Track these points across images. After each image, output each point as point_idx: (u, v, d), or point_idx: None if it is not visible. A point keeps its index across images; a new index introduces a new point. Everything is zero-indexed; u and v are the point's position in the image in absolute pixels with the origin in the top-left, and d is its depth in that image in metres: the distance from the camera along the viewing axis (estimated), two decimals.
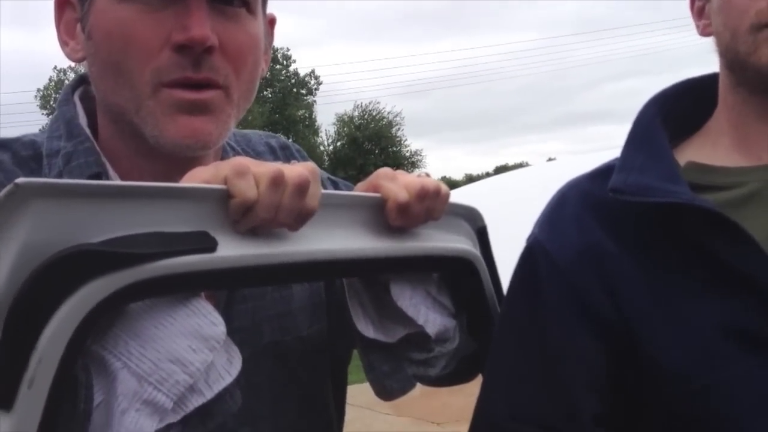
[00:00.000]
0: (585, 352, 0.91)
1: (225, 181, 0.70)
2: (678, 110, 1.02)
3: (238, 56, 0.87)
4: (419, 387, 1.03)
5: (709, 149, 0.98)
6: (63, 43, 0.91)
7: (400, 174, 0.90)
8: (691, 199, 0.88)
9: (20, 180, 0.56)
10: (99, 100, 0.91)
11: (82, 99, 0.95)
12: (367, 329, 0.94)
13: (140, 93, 0.83)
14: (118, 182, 0.65)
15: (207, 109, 0.85)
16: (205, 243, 0.67)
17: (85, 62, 0.90)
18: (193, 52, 0.82)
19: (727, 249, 0.86)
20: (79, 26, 0.89)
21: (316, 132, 44.95)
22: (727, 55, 0.95)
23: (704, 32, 1.00)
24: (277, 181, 0.70)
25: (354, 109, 45.00)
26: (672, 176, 0.91)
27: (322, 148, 44.33)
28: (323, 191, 0.77)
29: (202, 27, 0.82)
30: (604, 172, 0.99)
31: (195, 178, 0.71)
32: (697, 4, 1.01)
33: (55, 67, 42.38)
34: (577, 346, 0.92)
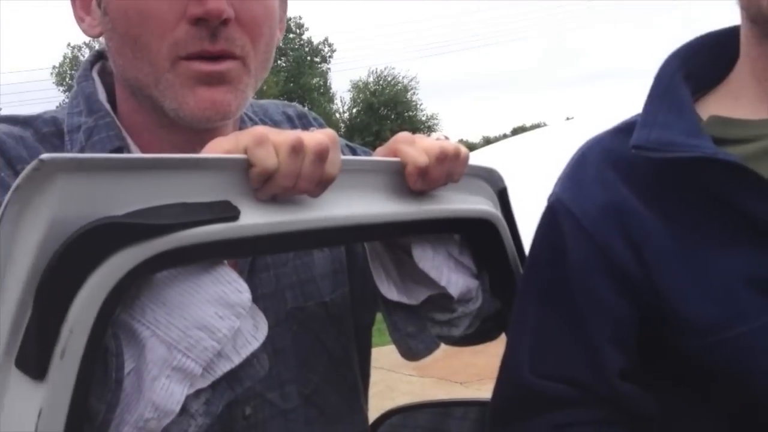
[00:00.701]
0: (610, 307, 0.92)
1: (245, 151, 0.70)
2: (699, 64, 1.00)
3: (254, 27, 0.87)
4: (442, 348, 1.04)
5: (732, 102, 0.97)
6: (79, 19, 0.91)
7: (419, 138, 0.90)
8: (715, 152, 0.87)
9: (45, 156, 0.56)
10: (117, 74, 0.91)
11: (100, 74, 0.96)
12: (390, 292, 0.95)
13: (159, 67, 0.84)
14: (141, 155, 0.65)
15: (225, 80, 0.85)
16: (227, 212, 0.68)
17: (102, 38, 0.90)
18: (210, 24, 0.82)
19: (752, 201, 0.86)
20: (94, 2, 0.89)
21: (331, 99, 44.82)
22: (750, 8, 0.92)
23: None
24: (297, 148, 0.70)
25: (368, 75, 44.84)
26: (694, 130, 0.90)
27: (337, 115, 44.21)
28: (343, 157, 0.77)
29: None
30: (625, 129, 0.98)
31: (216, 149, 0.71)
32: None
33: (69, 44, 42.44)
34: (603, 302, 0.92)
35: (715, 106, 0.98)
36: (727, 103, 0.97)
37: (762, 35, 0.93)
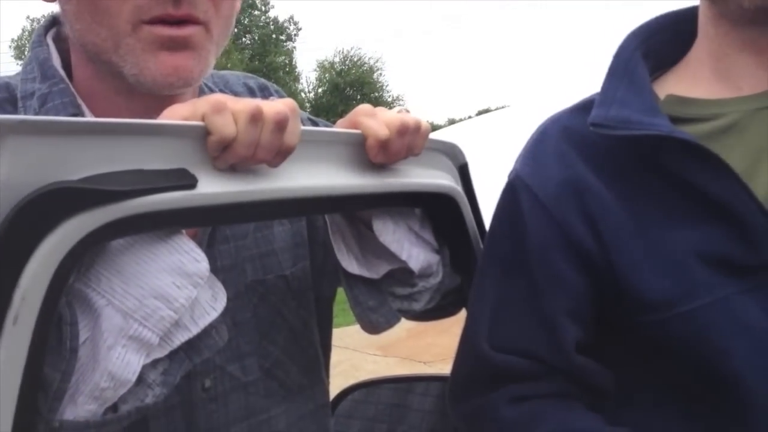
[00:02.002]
0: (567, 281, 0.94)
1: (203, 118, 0.69)
2: (658, 43, 1.01)
3: None
4: (406, 327, 1.05)
5: (689, 81, 0.98)
6: None
7: (380, 111, 0.89)
8: (671, 130, 0.88)
9: None
10: (74, 40, 0.88)
11: (55, 40, 0.94)
12: (351, 265, 0.95)
13: (119, 31, 0.81)
14: (96, 119, 0.64)
15: (188, 46, 0.83)
16: (184, 180, 0.67)
17: (56, 2, 0.88)
18: None
19: (706, 179, 0.87)
20: None
21: (296, 79, 44.48)
22: None
23: None
24: (256, 117, 0.70)
25: (335, 55, 44.63)
26: (652, 109, 0.92)
27: (303, 95, 43.92)
28: (303, 128, 0.77)
29: None
30: (584, 107, 0.99)
31: (173, 115, 0.70)
32: None
33: (28, 17, 41.50)
34: (560, 276, 0.94)
35: (673, 84, 0.99)
36: (685, 82, 0.98)
37: (720, 14, 0.94)
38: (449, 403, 1.04)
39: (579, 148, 0.96)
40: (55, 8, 0.90)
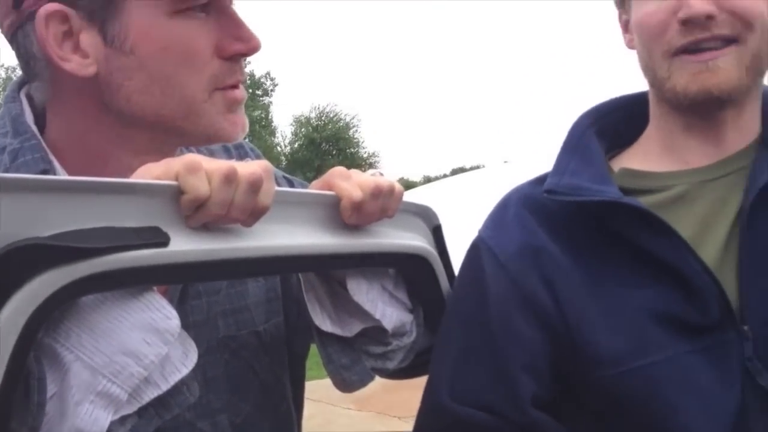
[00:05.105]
0: (525, 339, 0.97)
1: (176, 177, 0.70)
2: (613, 123, 1.09)
3: None
4: (380, 382, 1.04)
5: (642, 157, 1.05)
6: (60, 59, 0.84)
7: (355, 173, 0.91)
8: (619, 197, 0.95)
9: None
10: (120, 110, 0.87)
11: (27, 97, 0.94)
12: (324, 323, 0.95)
13: (195, 100, 0.87)
14: (70, 177, 0.65)
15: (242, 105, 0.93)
16: (157, 237, 0.67)
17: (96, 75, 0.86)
18: (241, 58, 0.90)
19: (656, 244, 0.93)
20: (90, 39, 0.84)
21: (272, 133, 44.76)
22: (647, 74, 1.01)
23: (629, 46, 1.05)
24: (230, 177, 0.70)
25: (311, 111, 44.94)
26: (602, 178, 0.99)
27: (279, 149, 44.15)
28: (278, 188, 0.78)
29: (255, 36, 0.90)
30: (543, 178, 1.06)
31: (146, 174, 0.71)
32: (624, 17, 1.06)
33: (3, 65, 41.32)
34: (518, 333, 0.98)
35: (627, 160, 1.06)
36: (638, 158, 1.06)
37: (660, 98, 1.02)
38: None
39: (538, 215, 1.02)
40: None
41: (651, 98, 1.05)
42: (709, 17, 0.92)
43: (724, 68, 0.93)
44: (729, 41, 0.93)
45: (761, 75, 0.99)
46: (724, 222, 0.95)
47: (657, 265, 0.93)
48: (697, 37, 0.93)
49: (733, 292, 0.91)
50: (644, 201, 0.96)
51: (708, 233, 0.95)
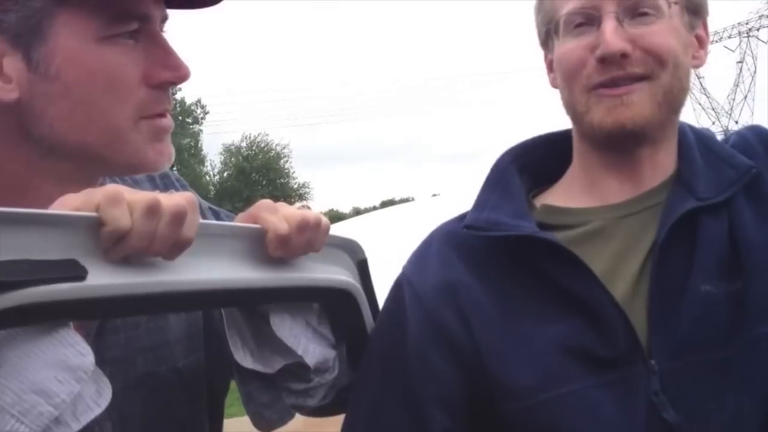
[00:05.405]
0: (440, 373, 0.99)
1: (97, 209, 0.68)
2: (538, 161, 1.13)
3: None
4: (303, 419, 1.03)
5: (564, 193, 1.09)
6: None
7: (281, 206, 0.91)
8: (535, 232, 0.99)
9: None
10: (41, 137, 0.85)
11: None
12: (245, 359, 0.93)
13: (118, 127, 0.86)
14: None
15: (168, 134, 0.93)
16: (73, 271, 0.65)
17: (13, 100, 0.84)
18: (170, 87, 0.90)
19: (567, 277, 0.97)
20: (14, 64, 0.83)
21: (201, 161, 44.19)
22: (568, 110, 1.06)
23: (553, 85, 1.10)
24: (153, 209, 0.69)
25: (242, 140, 44.57)
26: (520, 213, 1.03)
27: (208, 178, 43.59)
28: (202, 221, 0.77)
29: (184, 65, 0.90)
30: (465, 215, 1.08)
31: (66, 205, 0.69)
32: (548, 57, 1.10)
33: None
34: (433, 368, 1.00)
35: (549, 197, 1.10)
36: (560, 194, 1.10)
37: (581, 135, 1.06)
38: None
39: (459, 250, 1.05)
40: None
41: (573, 135, 1.09)
42: (624, 55, 0.97)
43: (637, 103, 0.97)
44: (643, 78, 0.98)
45: (675, 112, 1.04)
46: (637, 257, 0.98)
47: (569, 299, 0.96)
48: (612, 75, 0.98)
49: (643, 326, 0.94)
50: (562, 236, 1.00)
51: (621, 268, 0.98)
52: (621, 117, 0.97)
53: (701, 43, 1.06)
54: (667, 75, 0.99)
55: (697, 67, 1.06)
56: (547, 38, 1.08)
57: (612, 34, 0.96)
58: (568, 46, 1.01)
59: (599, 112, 0.98)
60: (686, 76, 1.02)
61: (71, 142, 0.86)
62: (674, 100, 1.01)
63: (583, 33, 1.00)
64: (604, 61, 0.97)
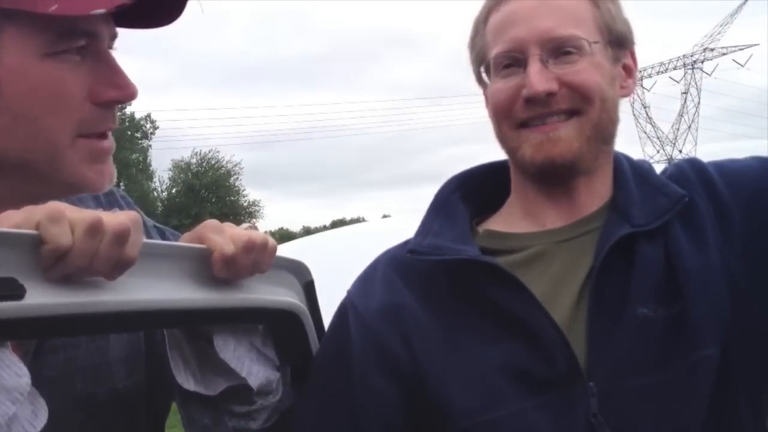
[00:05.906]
0: (382, 395, 1.01)
1: (37, 226, 0.67)
2: (480, 189, 1.17)
3: None
4: None
5: (505, 220, 1.13)
6: None
7: (228, 226, 0.90)
8: (477, 256, 1.02)
9: None
10: None
11: None
12: (188, 381, 0.92)
13: (58, 144, 0.85)
14: None
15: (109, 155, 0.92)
16: (11, 290, 0.64)
17: None
18: (116, 105, 0.90)
19: (508, 299, 0.99)
20: None
21: (150, 177, 43.53)
22: (501, 144, 1.10)
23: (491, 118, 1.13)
24: (95, 228, 0.68)
25: (192, 156, 44.03)
26: (463, 238, 1.06)
27: (156, 194, 42.95)
28: (146, 240, 0.76)
29: (132, 84, 0.90)
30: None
31: (5, 222, 0.67)
32: (486, 93, 1.14)
33: None
34: (375, 389, 1.02)
35: (492, 223, 1.14)
36: (502, 221, 1.14)
37: (516, 166, 1.11)
38: None
39: (403, 274, 1.08)
40: None
41: (510, 167, 1.13)
42: (550, 94, 1.01)
43: (564, 138, 1.02)
44: (570, 114, 1.03)
45: (606, 143, 1.07)
46: (576, 281, 1.01)
47: (510, 322, 0.98)
48: (539, 112, 1.03)
49: (582, 349, 0.96)
50: (503, 260, 1.03)
51: (561, 291, 1.01)
52: (550, 153, 1.02)
53: (629, 72, 1.11)
54: (595, 109, 1.03)
55: (626, 96, 1.11)
56: (479, 76, 1.13)
57: (537, 76, 1.01)
58: (498, 86, 1.06)
59: (529, 148, 1.03)
60: (614, 108, 1.07)
61: (11, 158, 0.85)
62: (604, 131, 1.05)
63: (511, 74, 1.05)
64: (531, 101, 1.02)
